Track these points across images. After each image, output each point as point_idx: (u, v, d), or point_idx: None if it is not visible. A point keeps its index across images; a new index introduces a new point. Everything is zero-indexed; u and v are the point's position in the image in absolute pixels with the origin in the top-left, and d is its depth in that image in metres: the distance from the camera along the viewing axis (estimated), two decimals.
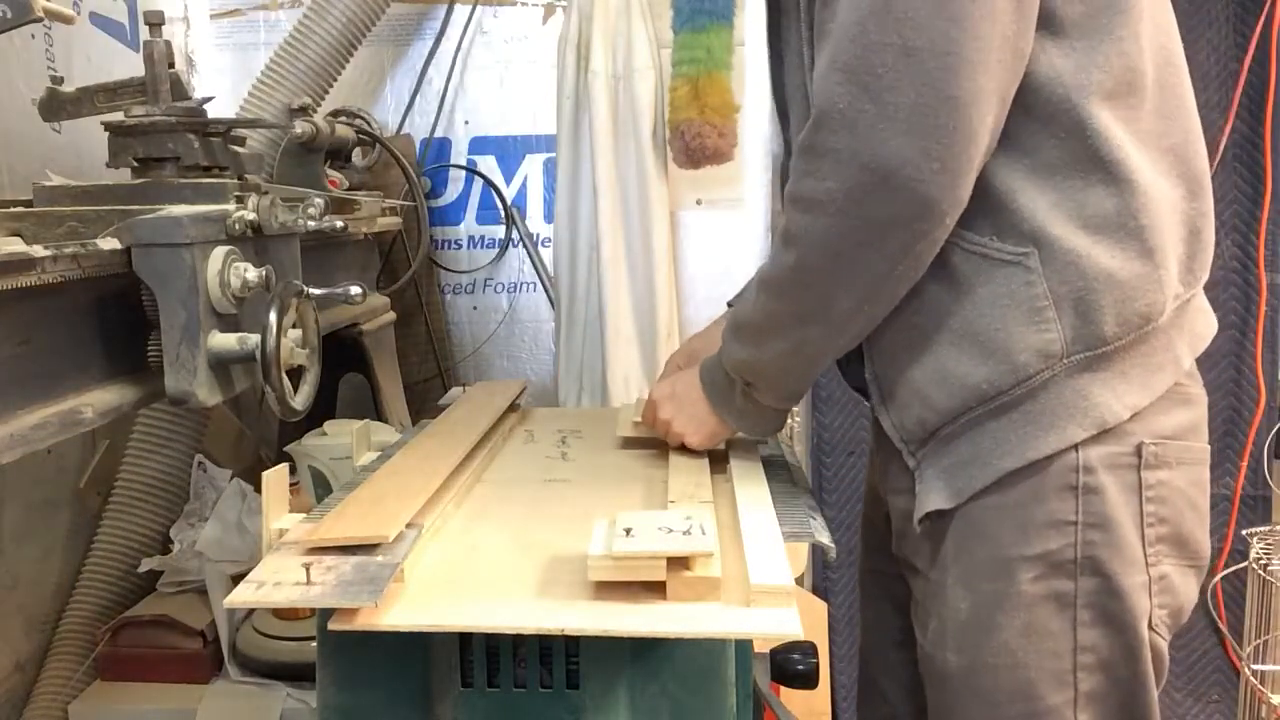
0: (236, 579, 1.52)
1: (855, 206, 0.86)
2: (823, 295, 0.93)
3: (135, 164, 1.13)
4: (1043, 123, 0.89)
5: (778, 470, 1.15)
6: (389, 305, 2.01)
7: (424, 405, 2.20)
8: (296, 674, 1.52)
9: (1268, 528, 2.06)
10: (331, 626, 0.76)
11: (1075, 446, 0.91)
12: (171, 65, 1.13)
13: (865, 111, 0.83)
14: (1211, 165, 1.20)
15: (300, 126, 1.63)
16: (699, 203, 2.23)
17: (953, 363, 0.94)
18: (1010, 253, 0.90)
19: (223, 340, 1.00)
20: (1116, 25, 0.88)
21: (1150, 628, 0.94)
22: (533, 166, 2.31)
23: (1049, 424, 0.91)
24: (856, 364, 1.03)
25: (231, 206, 1.04)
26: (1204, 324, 0.97)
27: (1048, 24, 0.87)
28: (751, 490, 1.03)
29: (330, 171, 1.83)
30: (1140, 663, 0.94)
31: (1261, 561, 1.92)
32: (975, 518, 0.95)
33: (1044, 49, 0.87)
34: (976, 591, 0.95)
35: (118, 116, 1.13)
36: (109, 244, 0.93)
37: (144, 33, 1.19)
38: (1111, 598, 0.92)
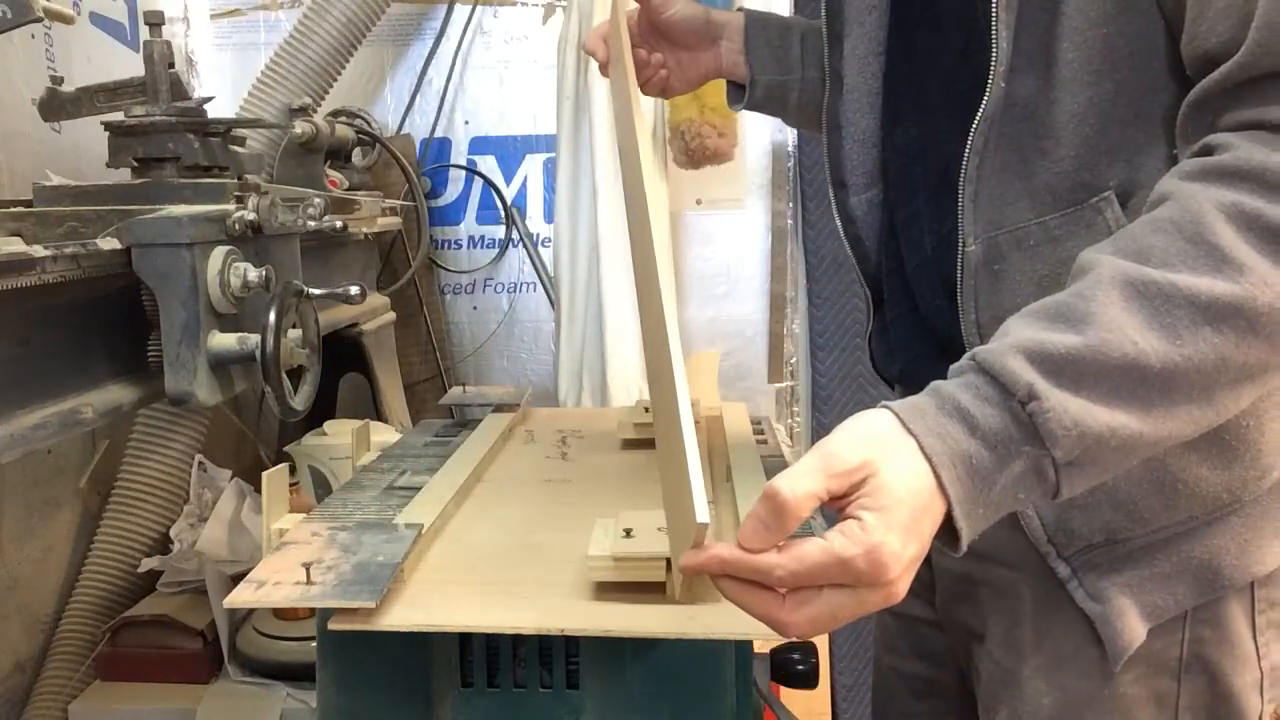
0: (236, 579, 1.52)
1: None
2: None
3: (135, 164, 1.13)
4: None
5: (778, 470, 1.14)
6: (389, 305, 2.01)
7: (424, 405, 2.20)
8: (296, 674, 1.52)
9: None
10: (331, 626, 0.76)
11: None
12: (171, 65, 1.14)
13: None
14: None
15: (300, 126, 1.63)
16: (699, 203, 2.23)
17: (1182, 466, 0.78)
18: None
19: (223, 340, 1.00)
20: None
21: None
22: (533, 166, 2.31)
23: (1275, 529, 0.79)
24: None
25: (231, 206, 1.04)
26: None
27: None
28: (751, 490, 1.03)
29: (330, 171, 1.83)
30: None
31: None
32: (1061, 606, 0.83)
33: None
34: (1063, 688, 0.84)
35: (118, 116, 1.14)
36: (109, 244, 0.93)
37: (144, 33, 1.19)
38: (1219, 700, 0.83)
